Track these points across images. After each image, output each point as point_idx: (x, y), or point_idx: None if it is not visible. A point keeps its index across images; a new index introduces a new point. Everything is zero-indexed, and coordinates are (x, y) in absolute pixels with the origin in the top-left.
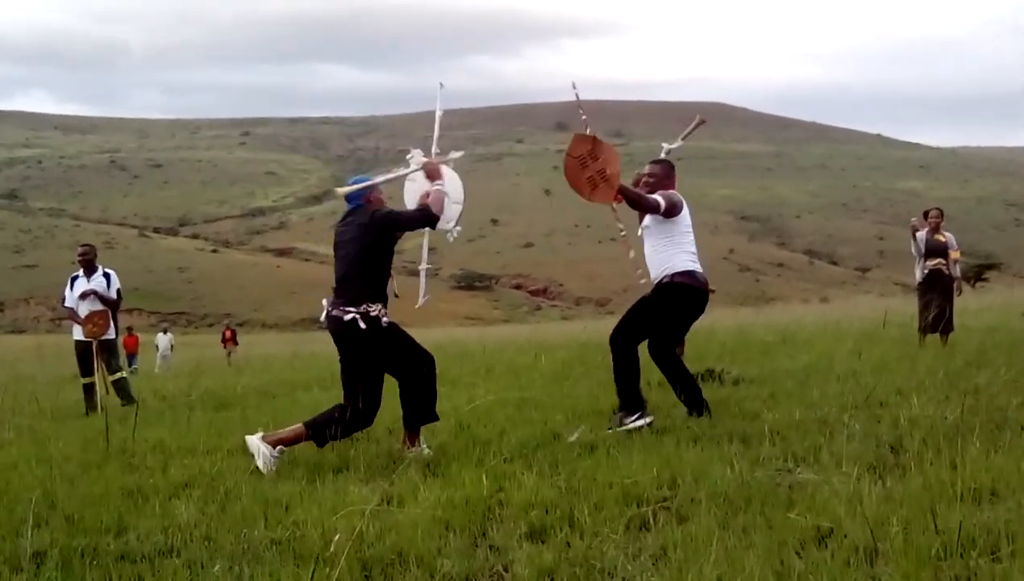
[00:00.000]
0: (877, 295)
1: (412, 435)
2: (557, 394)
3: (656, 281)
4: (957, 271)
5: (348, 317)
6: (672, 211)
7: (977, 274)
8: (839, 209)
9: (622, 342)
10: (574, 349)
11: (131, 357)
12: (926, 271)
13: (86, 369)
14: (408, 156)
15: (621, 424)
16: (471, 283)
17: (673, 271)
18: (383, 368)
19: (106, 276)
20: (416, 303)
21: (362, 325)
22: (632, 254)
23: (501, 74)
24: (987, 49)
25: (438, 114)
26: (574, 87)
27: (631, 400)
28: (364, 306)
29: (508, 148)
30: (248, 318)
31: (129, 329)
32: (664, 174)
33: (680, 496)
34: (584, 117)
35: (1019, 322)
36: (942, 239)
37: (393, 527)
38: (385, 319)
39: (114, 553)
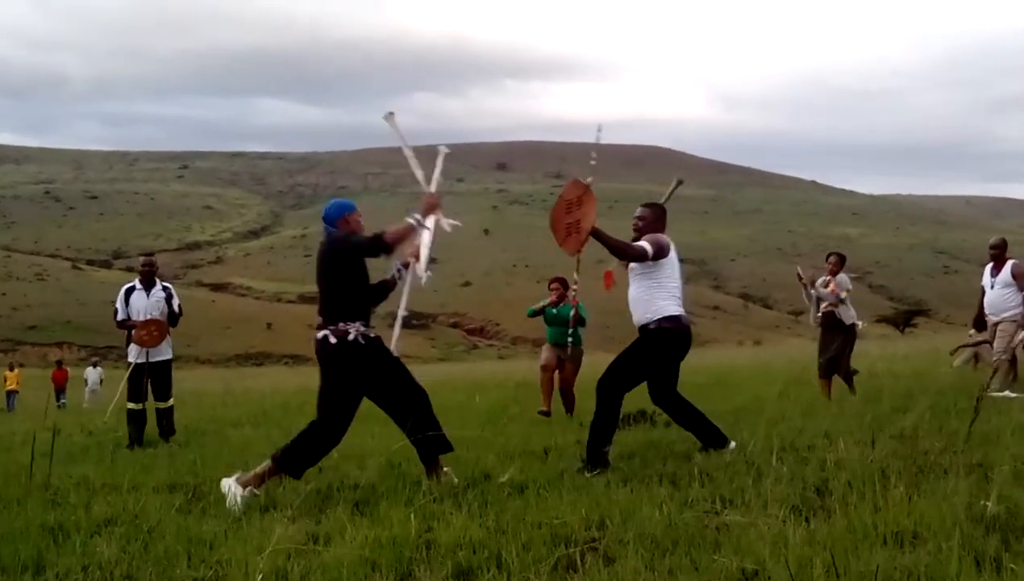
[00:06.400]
0: (810, 339)
1: (431, 467)
2: (490, 434)
3: (640, 325)
4: (838, 307)
5: (320, 334)
6: (659, 254)
7: (906, 319)
8: (774, 254)
9: (610, 389)
10: (509, 389)
11: (59, 391)
12: (819, 315)
13: (136, 394)
14: (413, 218)
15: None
16: (408, 321)
17: (659, 316)
18: (361, 393)
19: (165, 290)
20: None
21: (332, 340)
22: (573, 313)
23: (444, 113)
24: (920, 100)
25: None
26: (599, 129)
27: (599, 454)
28: (340, 325)
29: (449, 187)
30: (182, 353)
31: (59, 363)
32: (654, 218)
33: (608, 537)
34: (594, 161)
35: (945, 367)
36: (833, 284)
37: (319, 567)
38: (362, 338)
39: None
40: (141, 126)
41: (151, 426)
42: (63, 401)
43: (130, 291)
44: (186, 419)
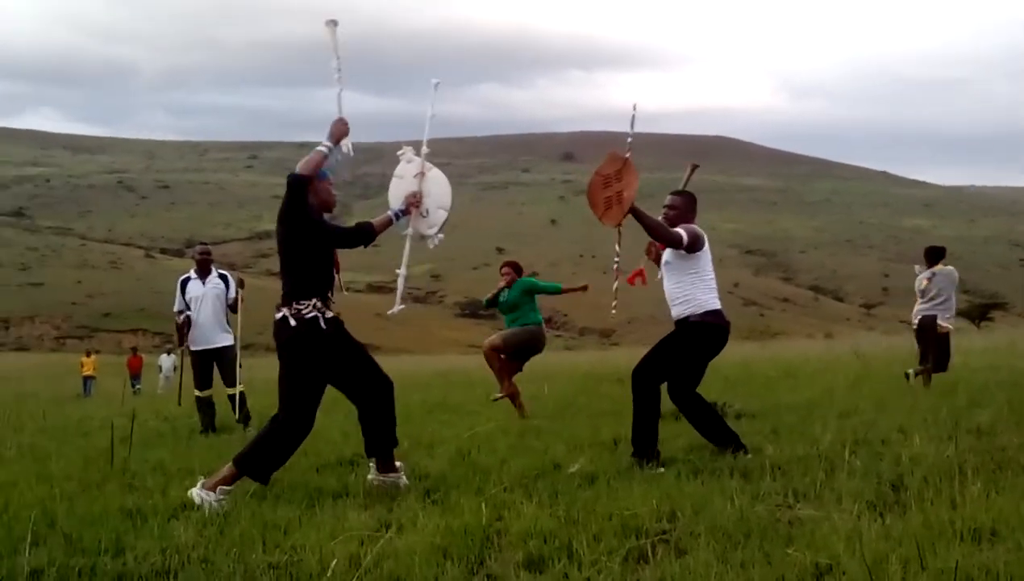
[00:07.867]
0: (881, 332)
1: (384, 462)
2: (559, 424)
3: (680, 318)
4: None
5: (278, 315)
6: (694, 246)
7: (982, 313)
8: (844, 245)
9: (646, 381)
10: (577, 379)
11: (134, 377)
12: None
13: (204, 381)
14: (400, 152)
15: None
16: (475, 311)
17: (702, 310)
18: (325, 378)
19: (222, 278)
20: (390, 310)
21: (292, 322)
22: (616, 285)
23: (510, 103)
24: (994, 89)
25: (430, 112)
26: (634, 108)
27: (647, 447)
28: (295, 304)
29: (515, 177)
30: (252, 341)
31: (134, 349)
32: (686, 207)
33: (679, 529)
34: (630, 140)
35: (1022, 361)
36: None
37: (391, 554)
38: (323, 318)
39: (111, 573)
40: (209, 116)
41: (226, 413)
42: (138, 387)
43: (186, 281)
44: (260, 406)
